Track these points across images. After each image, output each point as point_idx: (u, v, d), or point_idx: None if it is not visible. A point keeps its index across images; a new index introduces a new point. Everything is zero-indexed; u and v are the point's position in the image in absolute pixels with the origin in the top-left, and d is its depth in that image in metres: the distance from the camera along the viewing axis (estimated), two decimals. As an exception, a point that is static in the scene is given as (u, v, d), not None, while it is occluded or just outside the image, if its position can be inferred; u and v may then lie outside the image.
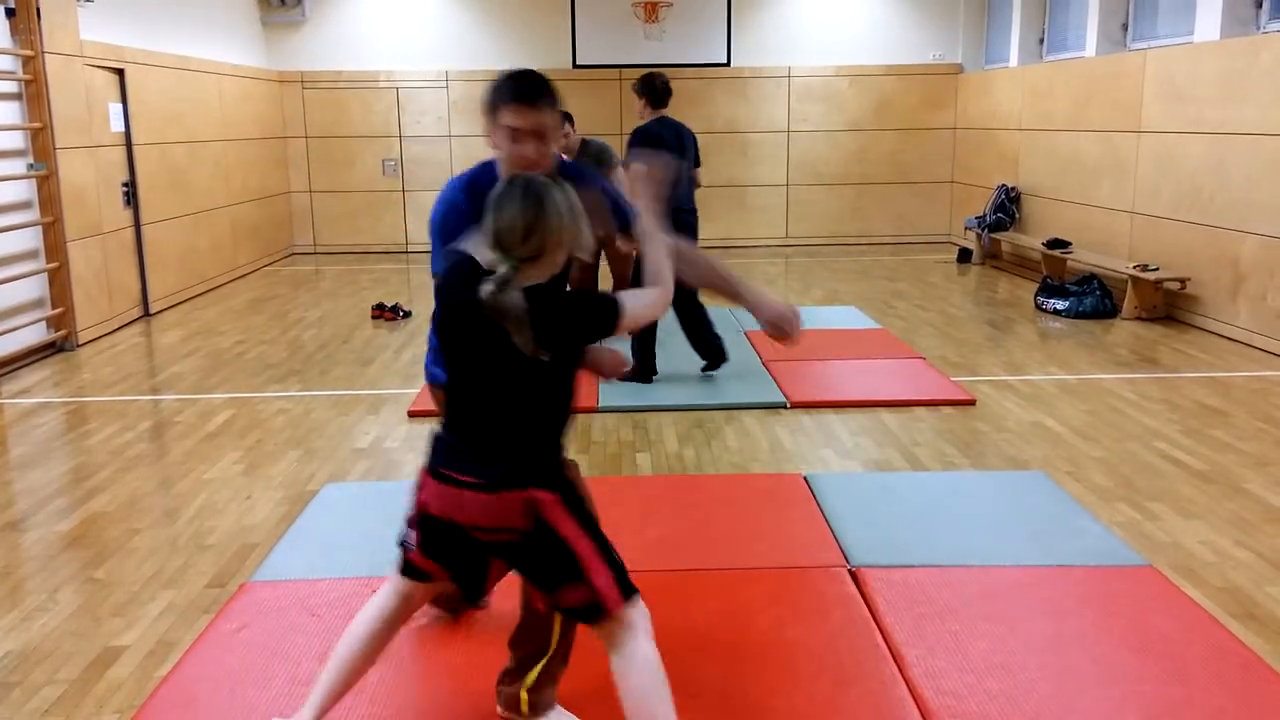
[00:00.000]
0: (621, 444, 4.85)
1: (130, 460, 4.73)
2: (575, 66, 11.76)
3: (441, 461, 2.15)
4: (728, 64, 11.85)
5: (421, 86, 11.82)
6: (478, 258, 2.10)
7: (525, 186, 2.06)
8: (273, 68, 11.61)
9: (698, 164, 6.10)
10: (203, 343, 7.26)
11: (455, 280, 2.14)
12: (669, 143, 5.77)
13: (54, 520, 4.02)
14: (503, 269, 2.01)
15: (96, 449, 4.91)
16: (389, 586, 2.30)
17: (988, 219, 10.36)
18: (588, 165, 5.55)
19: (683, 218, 5.75)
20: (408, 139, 11.89)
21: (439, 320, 2.21)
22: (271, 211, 11.37)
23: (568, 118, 5.75)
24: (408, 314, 8.06)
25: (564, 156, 3.97)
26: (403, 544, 2.26)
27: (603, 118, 11.44)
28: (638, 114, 5.96)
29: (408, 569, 2.27)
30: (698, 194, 6.18)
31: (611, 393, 5.39)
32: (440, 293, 2.20)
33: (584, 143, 6.06)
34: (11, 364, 6.53)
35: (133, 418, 5.42)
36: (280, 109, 11.70)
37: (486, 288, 2.00)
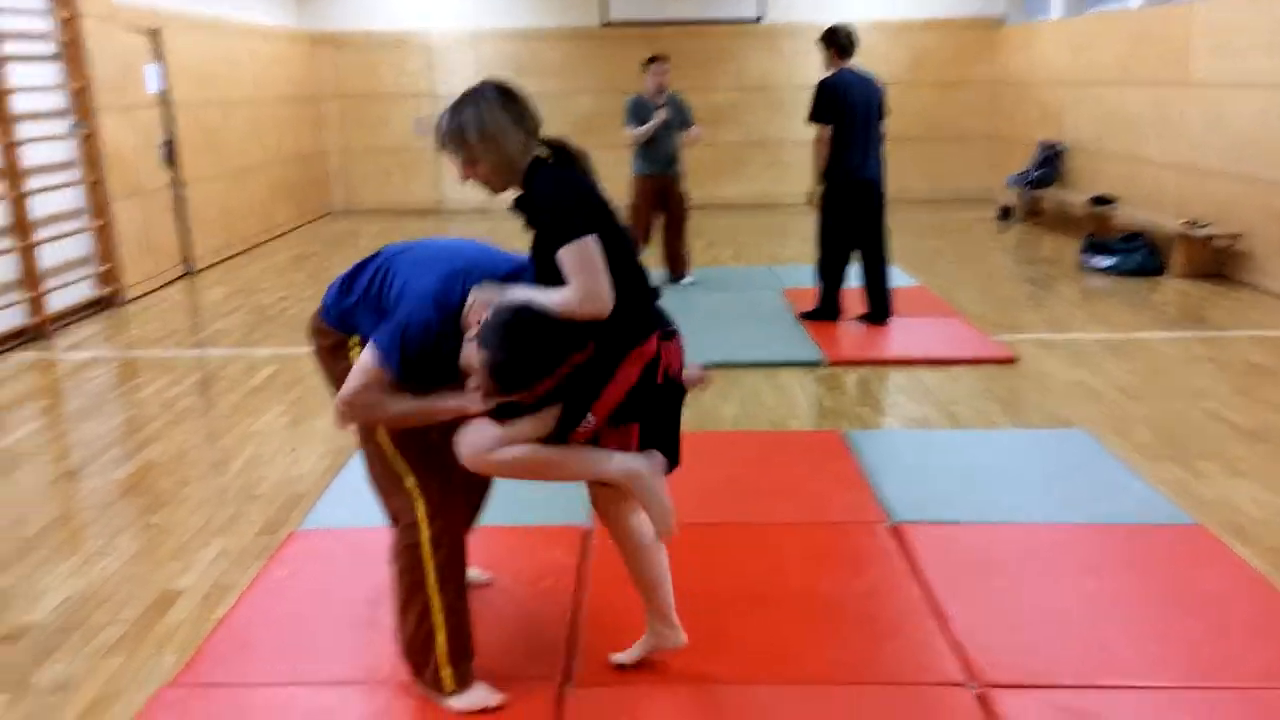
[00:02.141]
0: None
1: (180, 413, 4.82)
2: (604, 24, 11.67)
3: (663, 320, 2.29)
4: (759, 19, 11.71)
5: (452, 45, 11.78)
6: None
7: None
8: (305, 27, 11.61)
9: (882, 116, 6.02)
10: (245, 299, 7.35)
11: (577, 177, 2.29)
12: (856, 93, 5.75)
13: (110, 469, 4.12)
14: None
15: (147, 402, 5.01)
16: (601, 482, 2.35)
17: (1030, 175, 10.22)
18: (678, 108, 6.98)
19: (864, 189, 5.88)
20: (439, 98, 11.87)
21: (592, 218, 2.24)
22: (307, 171, 11.42)
23: (659, 58, 7.01)
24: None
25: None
26: (563, 439, 2.26)
27: (636, 75, 11.35)
28: (823, 66, 5.92)
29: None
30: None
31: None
32: (581, 190, 2.28)
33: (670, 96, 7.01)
34: (65, 319, 6.66)
35: (180, 372, 5.52)
36: (313, 69, 11.72)
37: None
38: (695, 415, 4.66)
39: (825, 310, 6.21)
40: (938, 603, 2.91)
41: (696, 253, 8.14)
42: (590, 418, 2.23)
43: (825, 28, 6.03)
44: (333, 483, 3.87)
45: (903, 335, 5.96)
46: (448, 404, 2.25)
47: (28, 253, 6.28)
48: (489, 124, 2.18)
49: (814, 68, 11.82)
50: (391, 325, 2.25)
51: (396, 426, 2.34)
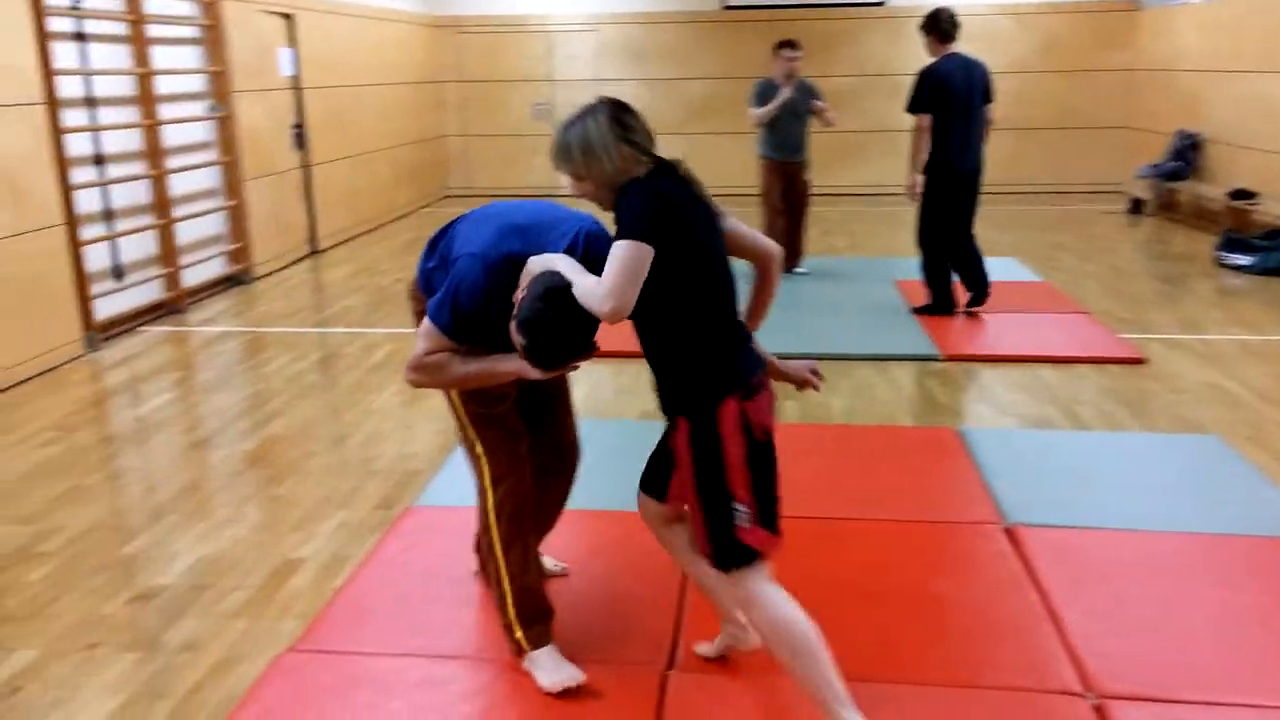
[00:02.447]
0: (769, 390, 4.84)
1: (303, 388, 5.00)
2: (725, 8, 11.60)
3: (749, 368, 2.17)
4: (882, 3, 11.47)
5: (573, 30, 11.87)
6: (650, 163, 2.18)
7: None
8: (429, 12, 11.85)
9: (988, 100, 5.89)
10: (367, 280, 7.57)
11: (667, 187, 2.15)
12: (958, 81, 5.66)
13: (238, 440, 4.31)
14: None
15: (273, 376, 5.21)
16: (759, 583, 2.18)
17: (1164, 167, 9.77)
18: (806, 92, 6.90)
19: (964, 180, 5.79)
20: (558, 83, 11.99)
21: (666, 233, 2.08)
22: (428, 154, 11.68)
23: (791, 43, 6.82)
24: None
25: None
26: (734, 540, 2.15)
27: (755, 60, 11.27)
28: (925, 51, 5.85)
29: (750, 553, 2.16)
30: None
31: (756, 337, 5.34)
32: (660, 201, 2.11)
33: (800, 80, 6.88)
34: (199, 294, 6.98)
35: (304, 348, 5.72)
36: (436, 54, 11.96)
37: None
38: (804, 408, 4.62)
39: (939, 305, 6.07)
40: (1054, 608, 2.82)
41: (810, 242, 8.03)
42: (739, 507, 2.13)
43: (938, 12, 5.84)
44: (446, 461, 3.96)
45: (1024, 331, 5.78)
46: (508, 366, 2.25)
47: (166, 230, 6.59)
48: (593, 141, 2.15)
49: (937, 54, 11.61)
50: (443, 287, 2.29)
51: (463, 388, 2.40)
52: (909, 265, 7.32)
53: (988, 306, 6.24)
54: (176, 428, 4.50)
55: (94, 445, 4.28)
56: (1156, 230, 9.28)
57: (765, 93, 6.86)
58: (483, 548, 2.55)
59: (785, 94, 6.78)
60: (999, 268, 7.48)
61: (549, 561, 3.01)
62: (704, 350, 2.14)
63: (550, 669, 2.48)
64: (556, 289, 2.08)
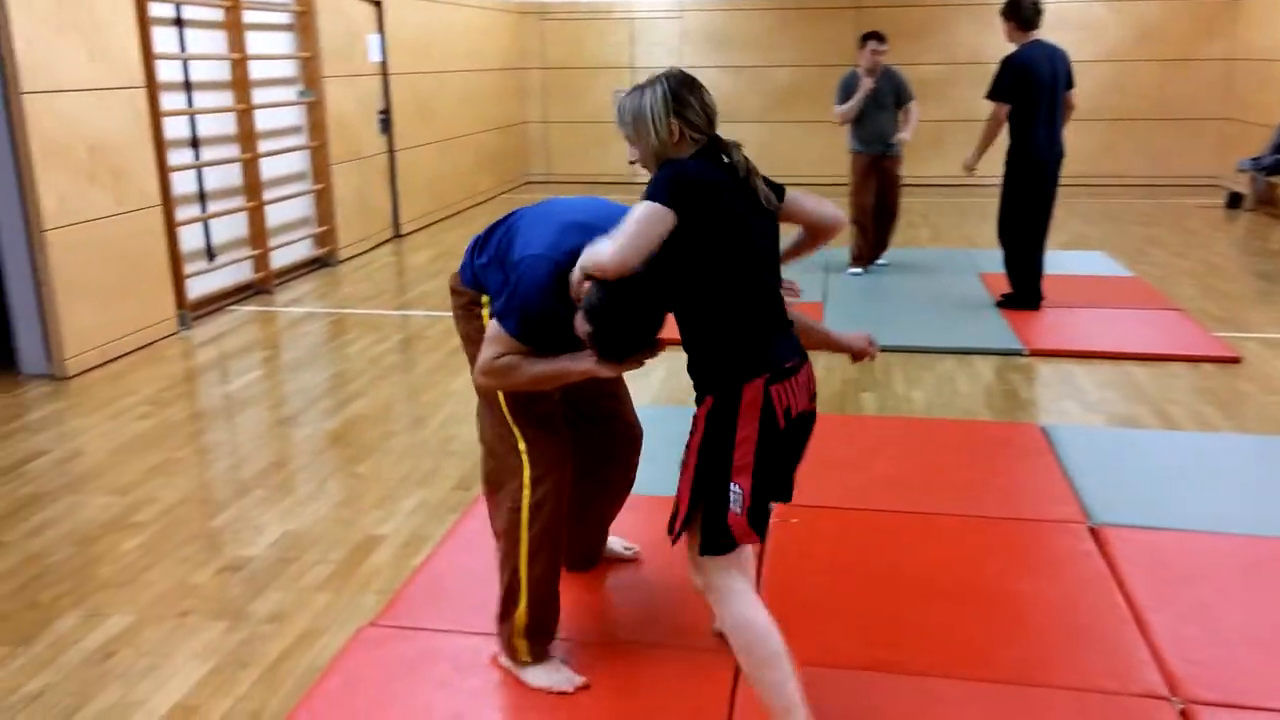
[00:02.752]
0: (845, 382, 4.80)
1: (384, 369, 5.10)
2: (811, -6, 11.49)
3: (782, 353, 2.12)
4: (974, -10, 11.24)
5: (656, 17, 11.85)
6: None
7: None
8: (514, 0, 11.96)
9: (1070, 86, 5.74)
10: (447, 264, 7.67)
11: (702, 168, 2.13)
12: (1043, 69, 5.56)
13: (321, 419, 4.41)
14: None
15: (355, 357, 5.32)
16: (729, 579, 2.14)
17: (1264, 160, 9.41)
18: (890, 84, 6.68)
19: (1045, 169, 5.67)
20: (640, 69, 11.99)
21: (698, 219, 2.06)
22: (510, 140, 11.79)
23: (878, 36, 6.62)
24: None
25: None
26: (724, 524, 2.10)
27: (841, 48, 11.14)
28: (1005, 38, 5.74)
29: (730, 541, 2.11)
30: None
31: (836, 328, 5.26)
32: (687, 176, 2.09)
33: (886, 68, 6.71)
34: (286, 275, 7.15)
35: (386, 330, 5.83)
36: (520, 40, 12.05)
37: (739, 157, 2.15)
38: (885, 399, 4.57)
39: (1023, 298, 5.95)
40: (1139, 611, 2.75)
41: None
42: (736, 488, 2.10)
43: None
44: (524, 444, 4.00)
45: (1112, 327, 5.63)
46: (580, 365, 2.22)
47: (257, 212, 6.76)
48: (646, 111, 2.14)
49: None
50: (508, 290, 2.25)
51: (534, 389, 2.34)
52: (993, 257, 7.18)
53: (1077, 299, 6.10)
54: (263, 405, 4.63)
55: (185, 420, 4.42)
56: (1255, 225, 8.94)
57: (849, 87, 6.70)
58: (502, 545, 2.48)
59: (867, 85, 6.61)
60: (1088, 262, 7.31)
61: (619, 544, 3.02)
62: (734, 332, 2.11)
63: (546, 673, 2.46)
64: (628, 280, 2.07)
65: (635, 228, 2.03)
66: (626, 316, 2.10)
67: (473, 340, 2.43)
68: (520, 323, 2.23)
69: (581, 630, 2.68)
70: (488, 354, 2.27)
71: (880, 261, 7.08)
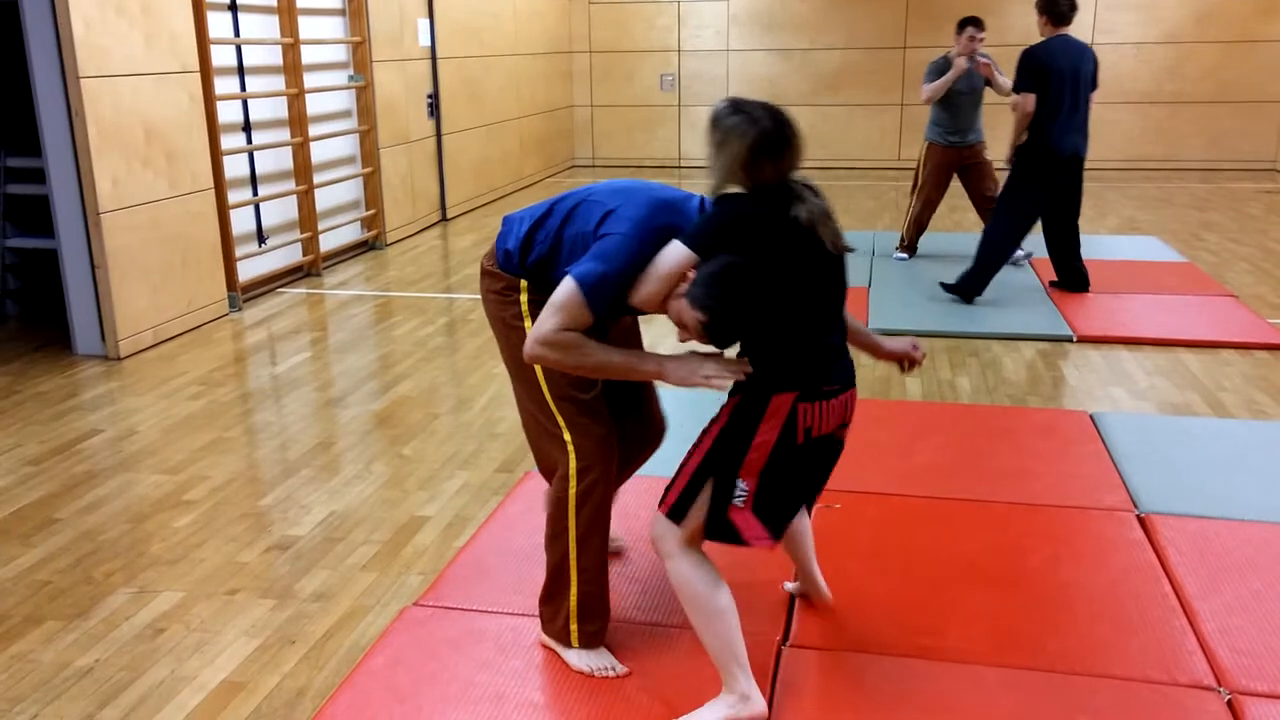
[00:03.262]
0: (889, 367, 4.76)
1: (430, 352, 5.15)
2: (862, -24, 11.33)
3: (821, 378, 2.15)
4: (1029, -30, 11.02)
5: (703, 0, 11.78)
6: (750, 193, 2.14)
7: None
8: (562, -18, 11.94)
9: (1094, 87, 5.65)
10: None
11: (755, 211, 2.12)
12: (1062, 63, 5.46)
13: (367, 400, 4.47)
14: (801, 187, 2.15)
15: (401, 339, 5.38)
16: (701, 568, 2.21)
17: (1326, 144, 9.15)
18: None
19: (1062, 164, 5.59)
20: (686, 54, 11.93)
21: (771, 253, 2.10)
22: (555, 124, 11.80)
23: (976, 22, 6.46)
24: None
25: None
26: (723, 515, 2.16)
27: (890, 30, 11.01)
28: (1038, 31, 5.65)
29: (730, 533, 2.17)
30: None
31: (881, 313, 5.27)
32: (733, 221, 2.12)
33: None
34: (333, 258, 7.24)
35: (431, 313, 5.89)
36: (567, 24, 12.04)
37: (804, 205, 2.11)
38: (930, 385, 4.53)
39: (1068, 279, 5.95)
40: (1187, 600, 2.71)
41: (939, 218, 7.84)
42: (742, 485, 2.13)
43: None
44: (566, 427, 4.02)
45: (1163, 313, 5.53)
46: (647, 366, 2.18)
47: (307, 195, 6.84)
48: (730, 142, 2.10)
49: (1085, 22, 11.08)
50: (597, 258, 2.15)
51: (594, 375, 2.28)
52: (1039, 242, 7.07)
53: (1128, 285, 6.00)
54: (310, 386, 4.70)
55: (234, 400, 4.50)
56: (1317, 210, 8.72)
57: (940, 70, 6.49)
58: (549, 532, 2.46)
59: (961, 66, 6.35)
60: (1140, 247, 7.18)
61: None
62: (776, 357, 2.13)
63: (590, 657, 2.46)
64: (737, 265, 2.06)
65: (660, 267, 2.12)
66: (745, 306, 2.07)
67: (509, 324, 2.40)
68: (610, 295, 2.14)
69: (620, 615, 2.70)
70: (552, 323, 2.14)
71: (900, 256, 6.90)
